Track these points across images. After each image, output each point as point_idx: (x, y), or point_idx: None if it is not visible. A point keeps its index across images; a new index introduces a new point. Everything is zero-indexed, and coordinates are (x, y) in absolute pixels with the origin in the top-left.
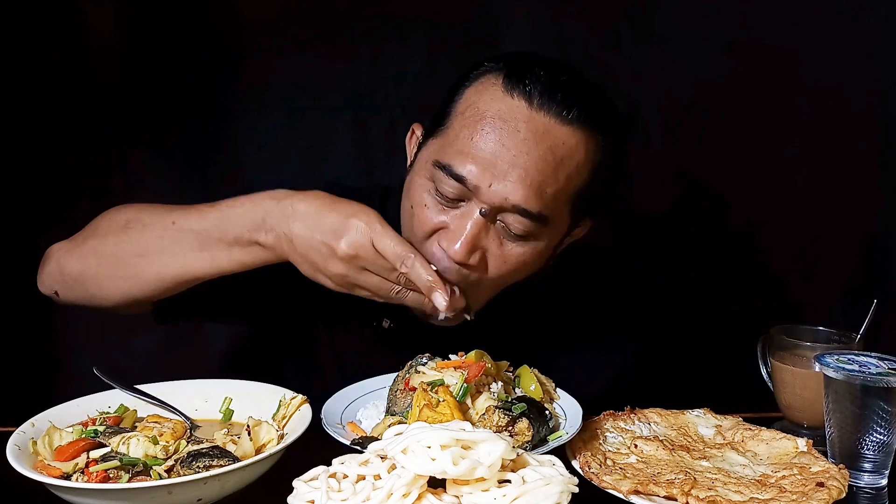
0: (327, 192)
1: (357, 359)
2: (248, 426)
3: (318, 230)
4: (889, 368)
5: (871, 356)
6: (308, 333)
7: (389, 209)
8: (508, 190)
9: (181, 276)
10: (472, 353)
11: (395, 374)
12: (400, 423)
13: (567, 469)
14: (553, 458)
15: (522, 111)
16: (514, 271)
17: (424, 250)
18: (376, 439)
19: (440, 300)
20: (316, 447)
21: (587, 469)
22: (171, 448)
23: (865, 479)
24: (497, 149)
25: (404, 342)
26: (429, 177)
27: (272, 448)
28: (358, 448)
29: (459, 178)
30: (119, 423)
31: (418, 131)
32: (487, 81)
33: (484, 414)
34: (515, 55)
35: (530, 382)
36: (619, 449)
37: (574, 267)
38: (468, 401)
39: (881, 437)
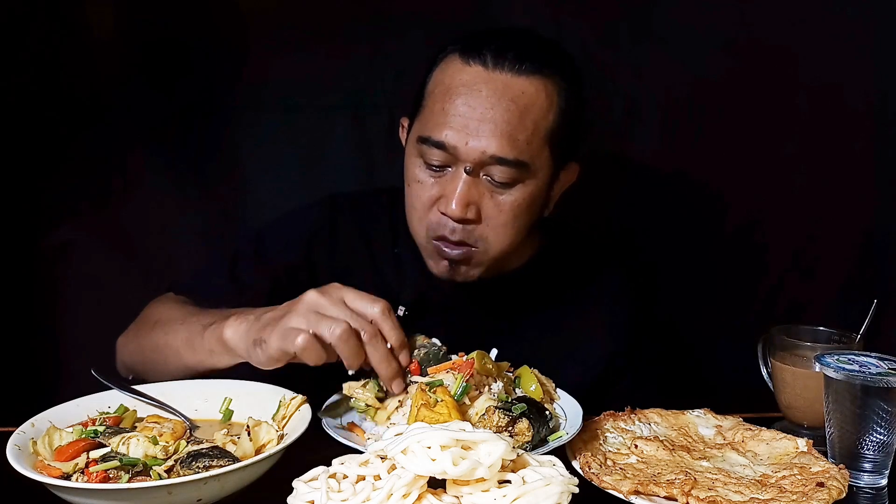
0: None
1: None
2: (247, 426)
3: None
4: (889, 368)
5: (871, 356)
6: None
7: (399, 208)
8: (483, 144)
9: (198, 367)
10: (474, 354)
11: None
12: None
13: (567, 469)
14: (553, 458)
15: (481, 74)
16: (512, 218)
17: (428, 220)
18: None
19: (398, 384)
20: (316, 447)
21: (587, 469)
22: (170, 448)
23: (865, 479)
24: (466, 111)
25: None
26: (417, 154)
27: (272, 448)
28: (357, 448)
29: (440, 145)
30: (119, 424)
31: (405, 123)
32: (448, 59)
33: (484, 414)
34: (471, 33)
35: (530, 382)
36: (619, 449)
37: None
38: (467, 401)
39: (881, 437)
